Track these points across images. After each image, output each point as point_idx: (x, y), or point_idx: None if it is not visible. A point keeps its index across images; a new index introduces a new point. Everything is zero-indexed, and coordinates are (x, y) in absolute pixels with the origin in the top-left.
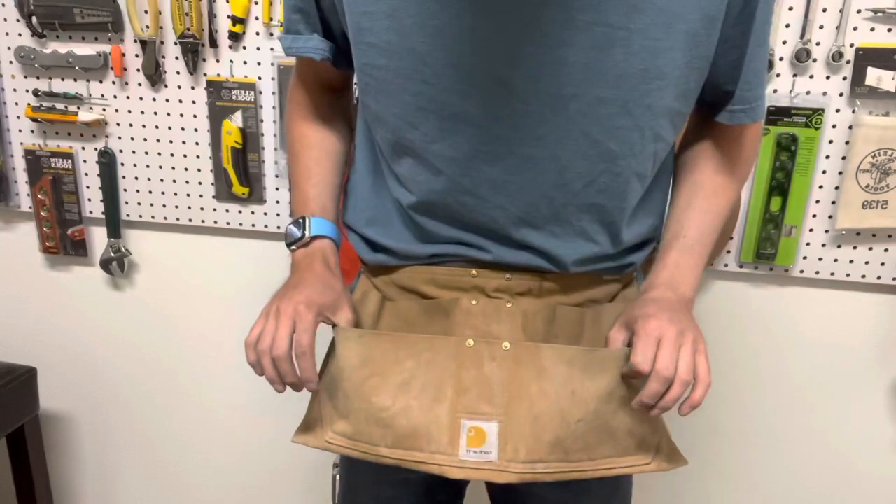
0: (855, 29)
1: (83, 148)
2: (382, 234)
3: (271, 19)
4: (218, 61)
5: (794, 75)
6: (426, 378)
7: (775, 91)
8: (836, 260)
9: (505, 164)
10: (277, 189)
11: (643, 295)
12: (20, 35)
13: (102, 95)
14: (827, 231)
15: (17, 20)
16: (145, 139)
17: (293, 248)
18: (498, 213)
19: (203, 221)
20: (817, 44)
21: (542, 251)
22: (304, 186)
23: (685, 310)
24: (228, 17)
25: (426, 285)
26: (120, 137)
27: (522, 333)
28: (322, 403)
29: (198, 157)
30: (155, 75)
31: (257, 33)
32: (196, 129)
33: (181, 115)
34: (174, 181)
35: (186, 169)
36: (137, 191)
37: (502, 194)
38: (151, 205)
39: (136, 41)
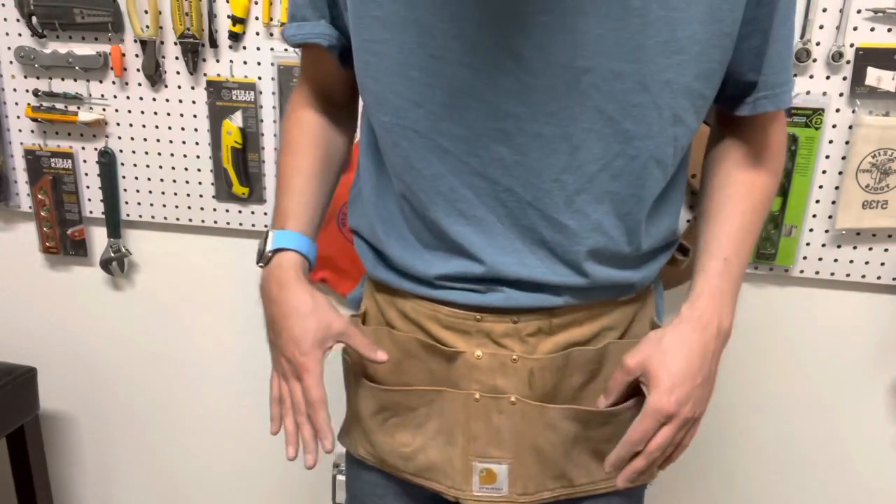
0: (855, 29)
1: (83, 148)
2: (386, 236)
3: (271, 19)
4: (218, 61)
5: (794, 75)
6: (439, 423)
7: None
8: (836, 260)
9: (515, 142)
10: None
11: (682, 324)
12: (20, 35)
13: (102, 95)
14: (827, 231)
15: (17, 20)
16: (145, 139)
17: (259, 264)
18: (506, 197)
19: (203, 221)
20: (817, 44)
21: (550, 246)
22: (282, 198)
23: (715, 358)
24: (228, 17)
25: (429, 321)
26: (120, 137)
27: (528, 389)
28: (353, 422)
29: (198, 157)
30: (155, 75)
31: (257, 33)
32: (196, 129)
33: (181, 115)
34: (174, 181)
35: (186, 169)
36: (137, 191)
37: (512, 175)
38: (151, 205)
39: (136, 41)
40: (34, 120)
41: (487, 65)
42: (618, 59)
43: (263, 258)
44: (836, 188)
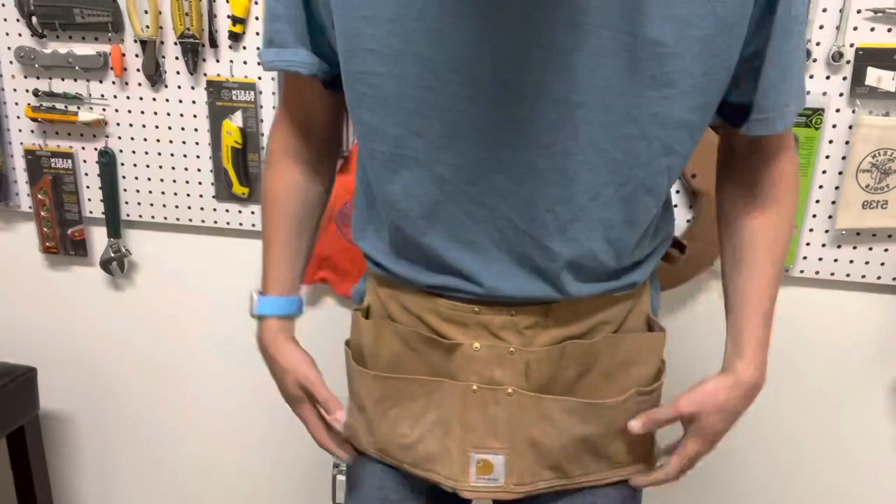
0: (855, 29)
1: (83, 148)
2: (383, 256)
3: None
4: (218, 61)
5: None
6: (437, 414)
7: None
8: (836, 260)
9: (511, 173)
10: None
11: (738, 387)
12: (20, 35)
13: (102, 95)
14: (827, 231)
15: (17, 20)
16: (145, 139)
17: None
18: (503, 225)
19: (203, 221)
20: (817, 44)
21: (544, 273)
22: (265, 258)
23: (746, 407)
24: (228, 17)
25: (429, 315)
26: (120, 137)
27: (525, 381)
28: (354, 413)
29: (198, 157)
30: (155, 75)
31: (257, 33)
32: (196, 129)
33: (181, 115)
34: (174, 181)
35: (186, 169)
36: (137, 191)
37: (508, 204)
38: (151, 205)
39: (136, 41)
40: (34, 120)
41: (485, 97)
42: (608, 93)
43: (252, 316)
44: (836, 188)
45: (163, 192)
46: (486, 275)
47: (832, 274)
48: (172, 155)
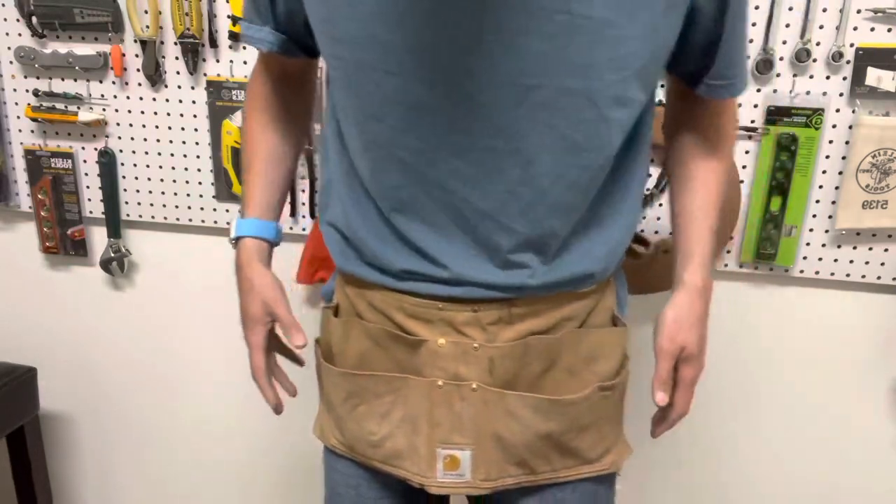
0: (855, 29)
1: (83, 148)
2: (360, 225)
3: None
4: (218, 61)
5: (794, 75)
6: (404, 411)
7: (775, 91)
8: (836, 260)
9: (470, 156)
10: None
11: (691, 293)
12: (20, 35)
13: (102, 95)
14: (827, 231)
15: (17, 20)
16: (145, 139)
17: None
18: (463, 207)
19: (203, 221)
20: (817, 44)
21: (509, 254)
22: (243, 187)
23: (708, 307)
24: (228, 17)
25: (396, 311)
26: (120, 137)
27: (489, 376)
28: (323, 413)
29: (198, 157)
30: (155, 75)
31: None
32: (196, 129)
33: (181, 115)
34: (174, 181)
35: (186, 169)
36: (137, 191)
37: (469, 186)
38: (151, 205)
39: (136, 41)
40: (34, 120)
41: (441, 81)
42: (567, 76)
43: (231, 243)
44: (836, 188)
45: (163, 192)
46: (450, 258)
47: (832, 274)
48: (172, 155)
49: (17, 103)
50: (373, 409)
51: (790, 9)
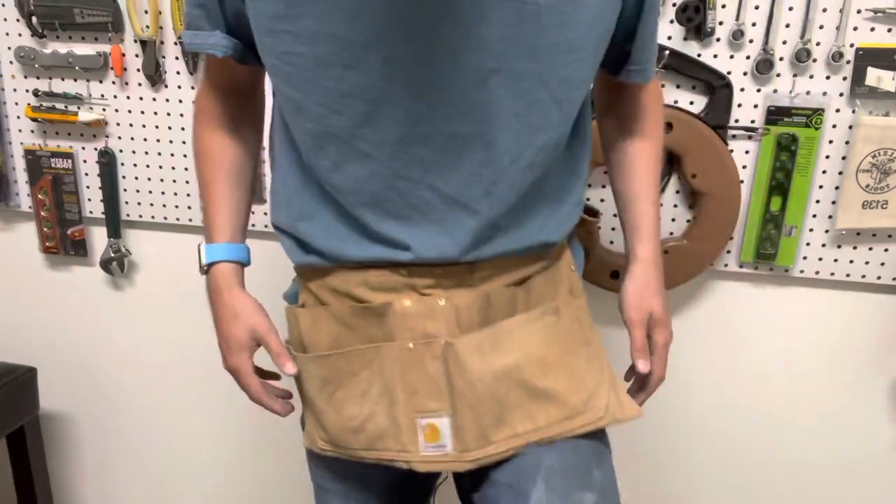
0: (855, 29)
1: (83, 148)
2: (313, 228)
3: None
4: None
5: (794, 75)
6: (381, 384)
7: (775, 91)
8: (836, 260)
9: (433, 143)
10: None
11: (647, 266)
12: (20, 35)
13: (102, 95)
14: (827, 231)
15: (17, 20)
16: (145, 139)
17: (202, 274)
18: (428, 195)
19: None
20: (817, 44)
21: (474, 233)
22: (207, 210)
23: (662, 274)
24: None
25: (359, 288)
26: (120, 137)
27: (458, 328)
28: (307, 415)
29: None
30: (155, 75)
31: None
32: None
33: (181, 115)
34: (174, 181)
35: (186, 169)
36: (137, 191)
37: (433, 173)
38: (151, 205)
39: (136, 41)
40: (34, 120)
41: (402, 74)
42: (519, 60)
43: (201, 270)
44: (836, 188)
45: (163, 192)
46: (416, 243)
47: (832, 274)
48: (172, 155)
49: (17, 103)
50: (350, 392)
51: (790, 9)
